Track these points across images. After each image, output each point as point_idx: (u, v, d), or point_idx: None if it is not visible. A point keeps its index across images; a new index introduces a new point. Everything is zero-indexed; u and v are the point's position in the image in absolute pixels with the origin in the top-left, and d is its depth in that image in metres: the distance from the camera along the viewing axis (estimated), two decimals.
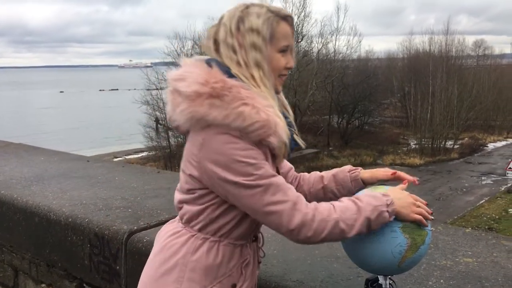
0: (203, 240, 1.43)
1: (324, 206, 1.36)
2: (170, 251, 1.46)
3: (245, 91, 1.31)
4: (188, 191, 1.43)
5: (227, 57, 1.38)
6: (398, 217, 1.40)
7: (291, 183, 1.70)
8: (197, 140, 1.35)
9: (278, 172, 1.48)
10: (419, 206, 1.42)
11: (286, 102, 1.55)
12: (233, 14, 1.40)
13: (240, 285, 1.44)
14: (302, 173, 1.79)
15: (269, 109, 1.32)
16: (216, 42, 1.42)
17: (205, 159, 1.33)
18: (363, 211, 1.35)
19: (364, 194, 1.42)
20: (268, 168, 1.33)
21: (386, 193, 1.41)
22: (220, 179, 1.32)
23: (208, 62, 1.38)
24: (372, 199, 1.38)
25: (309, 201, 1.71)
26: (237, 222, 1.43)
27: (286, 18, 1.42)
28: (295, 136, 1.47)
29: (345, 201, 1.39)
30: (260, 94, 1.34)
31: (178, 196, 1.51)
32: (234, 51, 1.37)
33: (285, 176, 1.72)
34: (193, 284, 1.41)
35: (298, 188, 1.73)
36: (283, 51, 1.41)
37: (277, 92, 1.44)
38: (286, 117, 1.45)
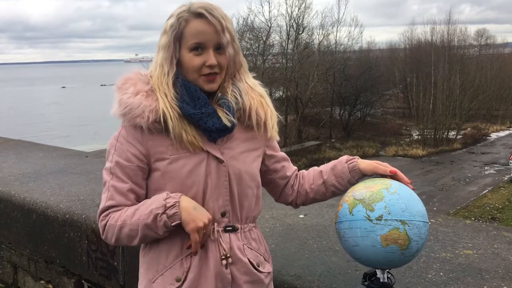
0: None
1: (118, 212, 1.41)
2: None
3: (133, 82, 1.40)
4: None
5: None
6: (182, 224, 1.36)
7: (293, 184, 1.70)
8: None
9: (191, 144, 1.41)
10: (199, 235, 1.37)
11: (234, 88, 1.47)
12: None
13: (183, 279, 1.42)
14: (301, 171, 1.75)
15: (140, 94, 1.37)
16: None
17: None
18: (141, 217, 1.37)
19: (153, 197, 1.41)
20: (115, 165, 1.41)
21: (176, 196, 1.37)
22: None
23: None
24: (151, 203, 1.38)
25: (312, 198, 1.68)
26: None
27: (200, 15, 1.38)
28: (222, 116, 1.41)
29: (139, 205, 1.41)
30: (143, 80, 1.41)
31: None
32: (157, 52, 1.44)
33: (288, 180, 1.70)
34: (142, 278, 1.50)
35: (299, 187, 1.70)
36: (195, 49, 1.39)
37: (206, 91, 1.42)
38: (221, 99, 1.44)
